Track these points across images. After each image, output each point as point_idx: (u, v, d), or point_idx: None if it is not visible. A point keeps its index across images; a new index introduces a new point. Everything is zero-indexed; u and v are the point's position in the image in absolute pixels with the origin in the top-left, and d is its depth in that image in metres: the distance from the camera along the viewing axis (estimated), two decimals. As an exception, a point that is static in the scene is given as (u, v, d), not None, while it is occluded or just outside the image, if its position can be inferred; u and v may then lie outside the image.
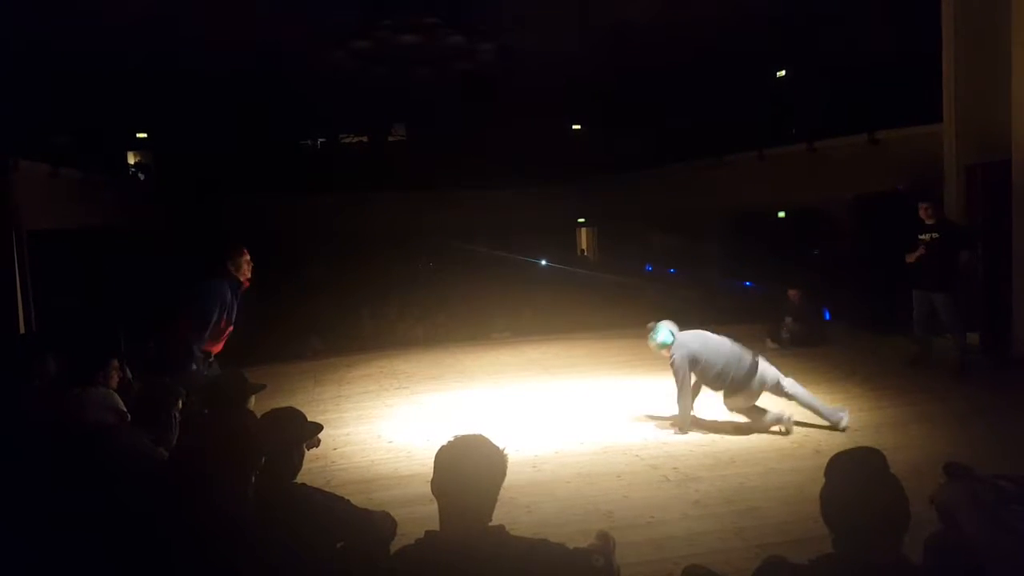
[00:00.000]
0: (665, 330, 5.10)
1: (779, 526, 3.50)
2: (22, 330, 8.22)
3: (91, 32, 11.63)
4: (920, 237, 6.50)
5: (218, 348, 5.12)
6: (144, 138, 17.82)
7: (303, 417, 2.48)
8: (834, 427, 4.92)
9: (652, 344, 5.14)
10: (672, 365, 5.05)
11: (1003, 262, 6.96)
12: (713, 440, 4.90)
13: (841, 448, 1.89)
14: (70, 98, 12.53)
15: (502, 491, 1.95)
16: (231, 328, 5.09)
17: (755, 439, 4.89)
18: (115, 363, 4.13)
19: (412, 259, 17.69)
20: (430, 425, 5.50)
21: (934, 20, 7.98)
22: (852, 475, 1.68)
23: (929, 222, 6.49)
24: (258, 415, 2.63)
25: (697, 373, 5.06)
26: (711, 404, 5.82)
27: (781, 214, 13.41)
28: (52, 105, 11.73)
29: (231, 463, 2.18)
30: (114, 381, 4.07)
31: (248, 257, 5.11)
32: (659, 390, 6.33)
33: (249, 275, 5.10)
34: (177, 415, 3.17)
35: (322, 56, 13.72)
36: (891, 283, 7.56)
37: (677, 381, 5.03)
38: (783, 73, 14.68)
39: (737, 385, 4.95)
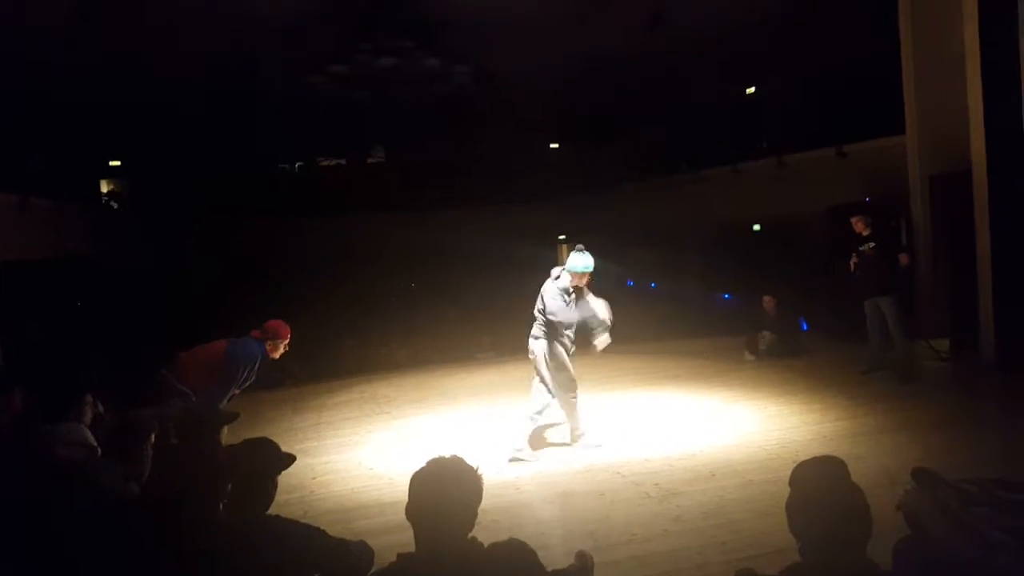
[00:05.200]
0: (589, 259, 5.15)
1: (758, 538, 3.53)
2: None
3: (63, 59, 11.58)
4: (860, 249, 6.74)
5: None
6: (117, 166, 17.64)
7: (276, 448, 2.46)
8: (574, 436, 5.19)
9: (573, 263, 5.14)
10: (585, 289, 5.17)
11: (968, 270, 7.14)
12: (693, 454, 4.93)
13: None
14: (42, 126, 12.40)
15: (483, 514, 1.96)
16: (238, 391, 5.03)
17: (734, 452, 4.92)
18: (88, 398, 4.07)
19: (393, 281, 17.63)
20: (412, 451, 5.46)
21: (895, 34, 8.24)
22: (813, 484, 1.72)
23: (865, 233, 6.75)
24: (231, 444, 2.61)
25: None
26: (692, 418, 5.87)
27: (756, 227, 13.61)
28: (23, 133, 11.59)
29: (198, 494, 2.16)
30: (87, 416, 4.00)
31: (288, 342, 5.10)
32: (641, 407, 6.37)
33: (278, 357, 5.08)
34: (150, 449, 3.13)
35: (300, 80, 13.79)
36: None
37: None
38: (752, 90, 14.98)
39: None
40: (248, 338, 4.94)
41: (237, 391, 4.95)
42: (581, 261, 5.10)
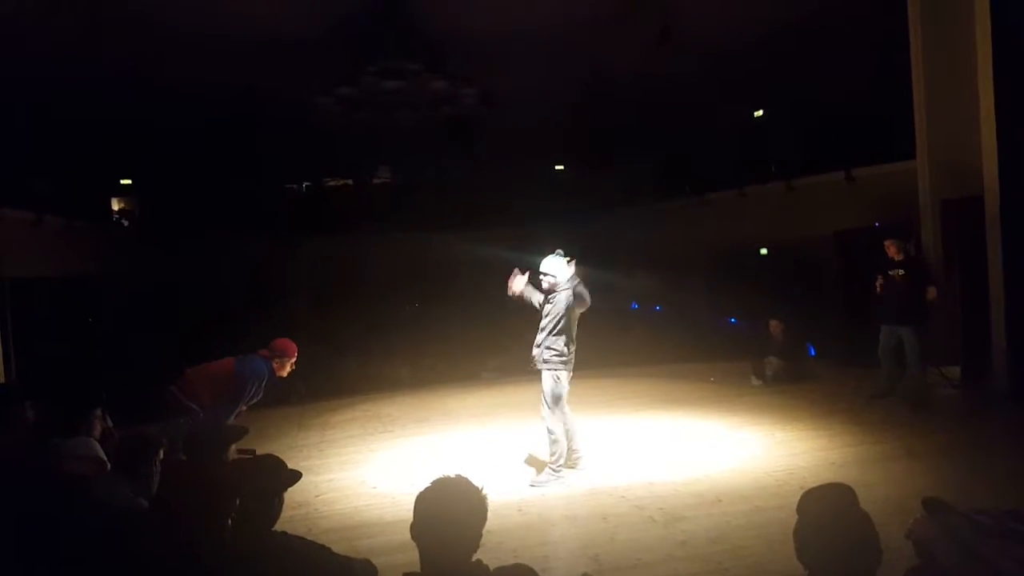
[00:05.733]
0: (562, 263, 5.07)
1: (765, 565, 3.48)
2: (2, 379, 8.10)
3: (72, 77, 11.75)
4: (889, 273, 6.66)
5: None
6: (128, 184, 17.84)
7: (283, 465, 2.46)
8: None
9: (549, 268, 5.05)
10: (554, 296, 5.02)
11: (980, 296, 7.09)
12: (698, 479, 4.88)
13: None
14: (53, 144, 12.58)
15: (487, 536, 1.95)
16: (244, 408, 5.07)
17: (740, 477, 4.88)
18: (98, 412, 4.08)
19: (397, 300, 17.68)
20: (415, 470, 5.44)
21: (906, 59, 8.28)
22: (821, 512, 1.70)
23: (897, 258, 6.68)
24: (239, 459, 2.61)
25: (564, 321, 5.00)
26: (697, 443, 5.82)
27: (763, 251, 13.60)
28: (35, 151, 11.76)
29: (205, 511, 2.16)
30: (97, 431, 4.01)
31: (295, 360, 5.15)
32: (645, 431, 6.33)
33: (285, 375, 5.12)
34: (158, 465, 3.13)
35: (307, 102, 13.96)
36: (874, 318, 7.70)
37: (551, 315, 4.98)
38: (760, 113, 15.06)
39: (571, 362, 5.02)
40: (255, 356, 4.98)
41: (244, 408, 4.97)
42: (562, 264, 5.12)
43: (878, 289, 6.70)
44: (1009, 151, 6.75)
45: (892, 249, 6.70)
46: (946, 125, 7.81)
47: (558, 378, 5.03)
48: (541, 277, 5.11)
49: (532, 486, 4.92)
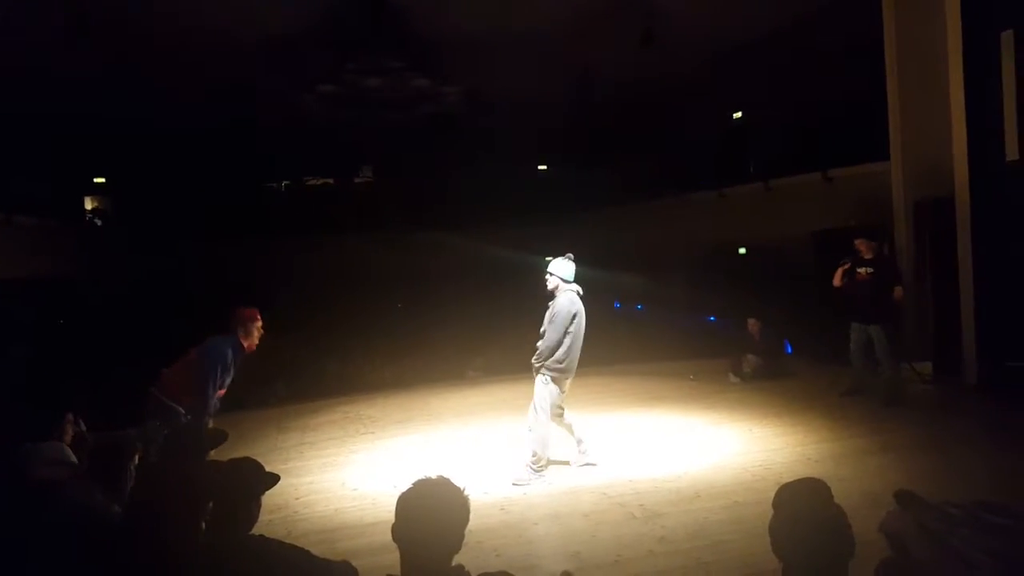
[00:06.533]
0: (571, 268, 5.13)
1: (743, 559, 3.52)
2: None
3: (46, 76, 11.56)
4: (857, 270, 6.76)
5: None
6: (102, 183, 17.55)
7: (260, 468, 2.44)
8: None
9: (552, 270, 5.11)
10: (554, 302, 5.06)
11: (951, 294, 7.25)
12: (678, 475, 4.93)
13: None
14: (25, 141, 12.34)
15: (468, 535, 1.95)
16: (223, 392, 4.83)
17: (719, 473, 4.93)
18: (69, 416, 4.01)
19: (379, 300, 17.59)
20: (397, 471, 5.42)
21: (880, 63, 8.42)
22: (795, 506, 1.73)
23: (867, 256, 6.78)
24: (214, 461, 2.58)
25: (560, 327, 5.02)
26: (677, 439, 5.87)
27: (742, 250, 13.74)
28: (5, 148, 11.54)
29: (178, 514, 2.13)
30: (68, 435, 3.94)
31: (260, 323, 4.87)
32: (626, 428, 6.37)
33: (256, 343, 4.86)
34: (133, 469, 3.09)
35: (288, 100, 13.85)
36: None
37: (556, 323, 4.99)
38: (739, 115, 15.21)
39: (570, 369, 5.06)
40: (214, 338, 4.82)
41: (222, 391, 4.82)
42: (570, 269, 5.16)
43: (835, 281, 6.83)
44: (979, 154, 6.90)
45: (863, 247, 6.81)
46: (919, 127, 7.97)
47: (547, 382, 5.05)
48: (546, 277, 5.15)
49: (515, 484, 4.93)
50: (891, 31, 8.25)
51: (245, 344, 4.81)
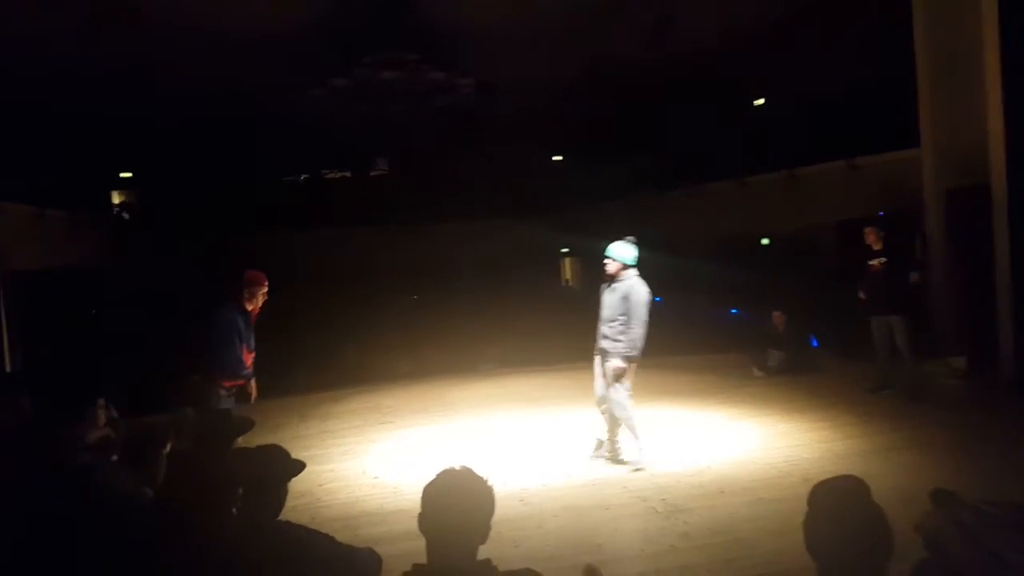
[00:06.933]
0: (633, 251, 5.05)
1: (767, 557, 3.47)
2: (7, 369, 8.12)
3: (74, 72, 11.70)
4: (870, 263, 6.59)
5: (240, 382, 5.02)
6: (128, 177, 17.82)
7: (286, 455, 2.45)
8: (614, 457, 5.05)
9: (612, 254, 5.02)
10: (623, 286, 4.96)
11: (986, 286, 7.03)
12: (701, 470, 4.87)
13: (829, 476, 1.88)
14: (54, 137, 12.55)
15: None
16: (253, 353, 5.02)
17: (742, 468, 4.86)
18: (101, 402, 4.06)
19: (396, 292, 17.67)
20: (416, 460, 5.44)
21: (909, 47, 8.19)
22: (834, 504, 1.67)
23: (877, 247, 6.59)
24: (243, 448, 2.59)
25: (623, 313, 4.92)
26: (699, 434, 5.81)
27: (765, 241, 13.54)
28: (36, 144, 11.75)
29: (210, 500, 2.14)
30: (101, 421, 3.99)
31: (266, 288, 5.04)
32: (647, 422, 6.30)
33: (260, 306, 5.02)
34: (165, 455, 3.11)
35: (303, 93, 13.87)
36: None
37: (640, 310, 4.89)
38: (761, 101, 14.95)
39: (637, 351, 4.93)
40: (215, 311, 4.97)
41: (252, 354, 4.92)
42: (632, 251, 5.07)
43: (864, 296, 6.67)
44: (1017, 138, 6.66)
45: (872, 236, 6.62)
46: (951, 113, 7.73)
47: (618, 364, 4.93)
48: (605, 262, 5.06)
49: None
50: (921, 10, 8.00)
51: (249, 307, 4.93)
